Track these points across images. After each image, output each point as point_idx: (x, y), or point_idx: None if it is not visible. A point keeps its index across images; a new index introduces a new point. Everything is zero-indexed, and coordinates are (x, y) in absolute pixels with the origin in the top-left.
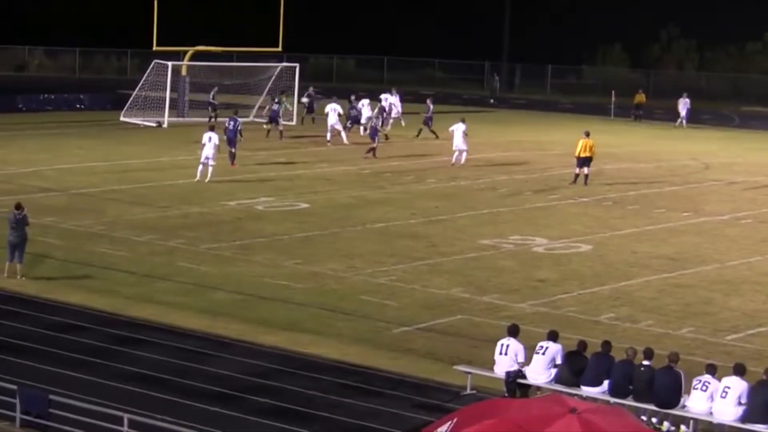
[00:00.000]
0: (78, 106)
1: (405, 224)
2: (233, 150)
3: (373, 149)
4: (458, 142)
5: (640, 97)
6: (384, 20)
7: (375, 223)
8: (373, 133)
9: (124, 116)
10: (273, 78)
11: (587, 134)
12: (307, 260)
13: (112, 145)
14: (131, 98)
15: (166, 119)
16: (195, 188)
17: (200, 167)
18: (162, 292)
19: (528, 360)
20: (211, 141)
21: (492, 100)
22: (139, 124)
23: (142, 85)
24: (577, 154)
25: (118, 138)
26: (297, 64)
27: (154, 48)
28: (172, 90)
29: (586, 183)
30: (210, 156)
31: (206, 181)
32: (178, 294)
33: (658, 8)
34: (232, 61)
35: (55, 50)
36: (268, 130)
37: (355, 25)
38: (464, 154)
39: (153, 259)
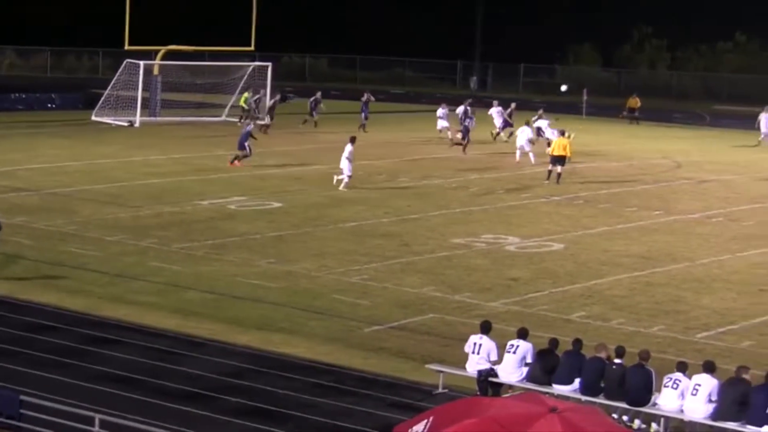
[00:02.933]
0: (50, 105)
1: (377, 223)
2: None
3: (459, 144)
4: (522, 141)
5: (634, 101)
6: (356, 19)
7: (347, 222)
8: (464, 131)
9: (95, 116)
10: (245, 77)
11: (562, 133)
12: (280, 259)
13: (84, 144)
14: (103, 98)
15: (138, 119)
16: (167, 188)
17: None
18: (134, 292)
19: (499, 358)
20: (345, 152)
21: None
22: (110, 124)
23: (114, 84)
24: (551, 152)
25: (90, 138)
26: (269, 64)
27: (126, 47)
28: (144, 89)
29: (558, 181)
30: (343, 167)
31: (339, 188)
32: (150, 294)
33: (629, 8)
34: (204, 60)
35: (27, 50)
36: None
37: (328, 24)
38: (519, 153)
39: (125, 259)
